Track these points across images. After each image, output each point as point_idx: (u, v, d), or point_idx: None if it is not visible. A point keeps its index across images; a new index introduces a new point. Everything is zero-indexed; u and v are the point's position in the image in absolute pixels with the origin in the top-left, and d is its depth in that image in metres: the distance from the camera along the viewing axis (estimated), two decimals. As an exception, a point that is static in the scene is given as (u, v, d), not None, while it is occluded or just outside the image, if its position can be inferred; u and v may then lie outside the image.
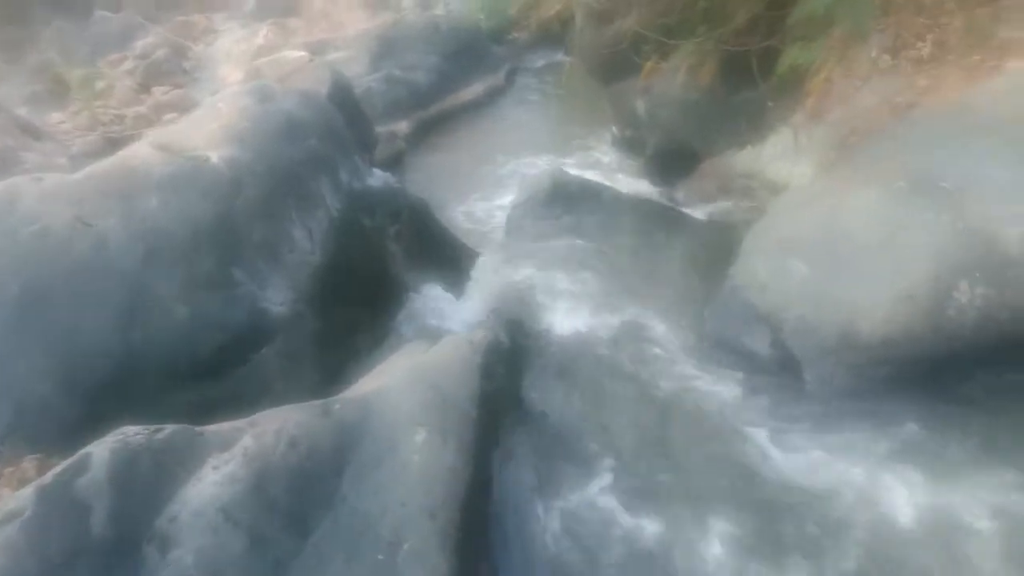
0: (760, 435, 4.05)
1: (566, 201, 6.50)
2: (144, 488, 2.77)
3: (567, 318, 5.12)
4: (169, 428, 3.03)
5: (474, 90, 12.73)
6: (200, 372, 4.38)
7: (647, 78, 8.80)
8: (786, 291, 4.51)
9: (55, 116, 10.28)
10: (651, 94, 9.40)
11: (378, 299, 5.98)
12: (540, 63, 14.76)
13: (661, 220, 6.55)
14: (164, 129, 5.59)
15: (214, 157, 5.09)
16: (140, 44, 11.72)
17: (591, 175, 7.48)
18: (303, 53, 10.37)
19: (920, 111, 5.56)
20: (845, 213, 4.81)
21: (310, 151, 5.85)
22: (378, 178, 6.97)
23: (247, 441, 3.08)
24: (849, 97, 6.36)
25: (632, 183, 8.86)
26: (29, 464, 3.26)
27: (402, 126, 11.22)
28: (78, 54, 11.50)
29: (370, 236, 6.41)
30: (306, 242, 5.43)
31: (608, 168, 9.72)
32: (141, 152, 4.89)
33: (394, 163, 10.34)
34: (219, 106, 5.74)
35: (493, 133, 11.72)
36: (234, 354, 4.55)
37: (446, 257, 7.17)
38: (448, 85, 12.41)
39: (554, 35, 14.87)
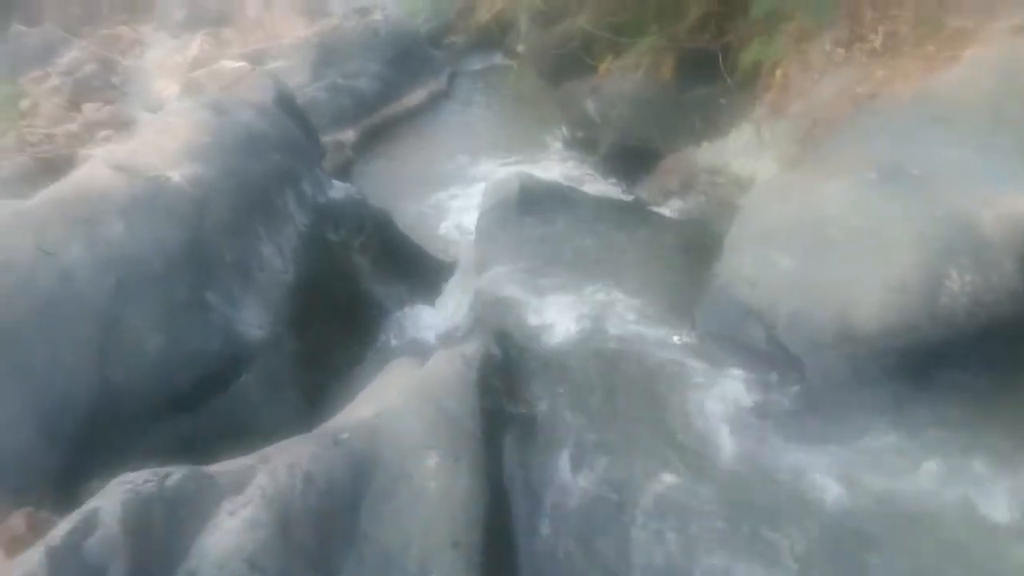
0: (771, 433, 4.02)
1: (535, 205, 6.40)
2: (160, 542, 2.54)
3: (553, 324, 5.00)
4: (178, 472, 2.80)
5: (417, 96, 12.53)
6: (180, 405, 4.13)
7: (602, 78, 8.78)
8: (775, 286, 4.50)
9: (-23, 139, 9.65)
10: (601, 94, 9.39)
11: (353, 315, 5.77)
12: (479, 66, 14.64)
13: (632, 219, 6.50)
14: (116, 148, 5.26)
15: (175, 176, 4.81)
16: (64, 59, 11.12)
17: (547, 178, 7.37)
18: (243, 63, 10.01)
19: (881, 101, 5.64)
20: (822, 205, 4.83)
21: (273, 165, 5.61)
22: (339, 190, 6.73)
23: (262, 480, 2.87)
24: (808, 90, 6.43)
25: (589, 184, 8.83)
26: (18, 519, 2.97)
27: (348, 135, 10.95)
28: (-3, 71, 10.84)
29: (337, 251, 6.19)
30: (277, 260, 5.19)
31: (561, 170, 9.65)
32: (97, 173, 4.58)
33: (342, 173, 10.05)
34: (171, 121, 5.44)
35: (440, 139, 11.55)
36: (213, 383, 4.30)
37: (414, 268, 6.99)
38: (391, 92, 12.18)
39: (492, 38, 14.78)
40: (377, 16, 12.89)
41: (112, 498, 2.59)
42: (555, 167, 9.75)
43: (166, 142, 5.17)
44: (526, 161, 10.06)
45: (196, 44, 11.27)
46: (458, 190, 9.37)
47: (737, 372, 4.42)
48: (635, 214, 6.80)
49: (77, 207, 4.17)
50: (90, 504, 2.62)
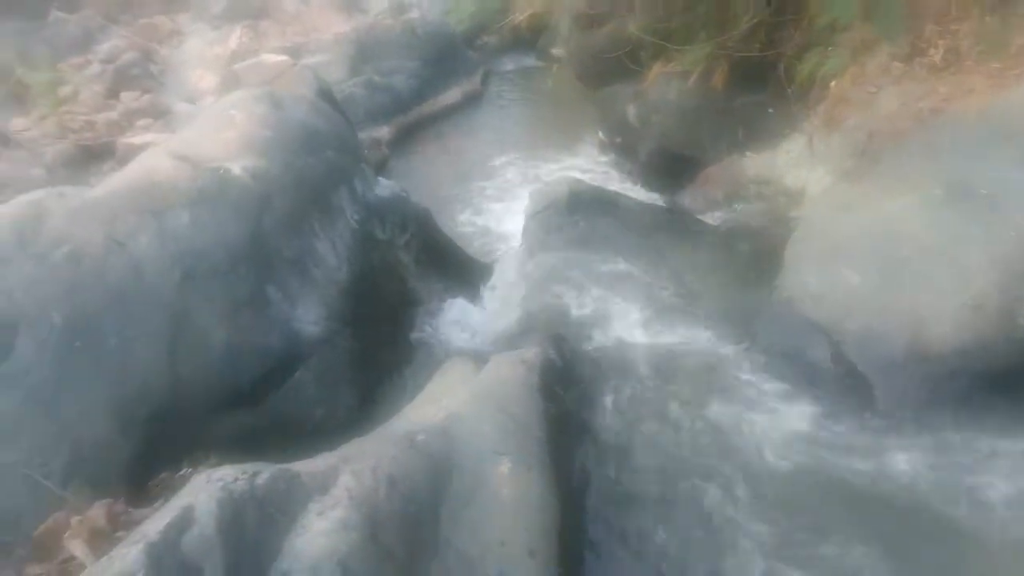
0: (838, 454, 3.94)
1: (584, 210, 6.34)
2: (253, 542, 2.49)
3: (609, 330, 4.94)
4: (266, 471, 2.75)
5: (452, 95, 12.49)
6: (240, 400, 4.09)
7: (646, 83, 8.72)
8: (842, 302, 4.42)
9: (18, 123, 9.64)
10: (644, 99, 9.33)
11: (402, 314, 5.73)
12: (512, 68, 14.60)
13: (680, 227, 6.43)
14: (175, 137, 5.23)
15: (237, 169, 4.77)
16: (104, 47, 11.11)
17: (596, 183, 7.31)
18: (284, 57, 9.99)
19: (945, 117, 5.56)
20: (890, 221, 4.75)
21: (328, 161, 5.56)
22: (385, 187, 6.68)
23: (347, 481, 2.82)
24: (865, 103, 6.35)
25: (628, 190, 8.76)
26: (98, 511, 2.93)
27: (384, 132, 10.91)
28: (36, 57, 10.83)
29: (384, 249, 6.15)
30: (331, 257, 5.14)
31: (598, 175, 9.60)
32: (160, 164, 4.54)
33: (379, 171, 10.02)
34: (231, 113, 5.40)
35: (475, 139, 11.50)
36: (272, 379, 4.26)
37: (456, 268, 6.94)
38: (427, 90, 12.14)
39: (524, 40, 14.77)
40: (414, 14, 12.87)
41: (205, 495, 2.54)
42: (591, 171, 9.70)
43: (226, 134, 5.13)
44: (562, 164, 10.03)
45: (235, 36, 11.25)
46: (494, 191, 9.34)
47: (802, 389, 4.34)
48: (681, 222, 6.73)
49: (143, 197, 4.14)
50: (182, 500, 2.57)
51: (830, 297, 4.48)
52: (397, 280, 6.06)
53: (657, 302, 5.26)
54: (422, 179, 9.87)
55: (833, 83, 6.73)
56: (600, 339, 4.88)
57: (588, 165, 9.97)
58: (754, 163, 7.48)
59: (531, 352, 4.24)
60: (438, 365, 4.79)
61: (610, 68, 10.20)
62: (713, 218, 6.98)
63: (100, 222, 3.86)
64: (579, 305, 5.24)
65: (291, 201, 4.91)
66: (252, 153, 4.98)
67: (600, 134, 10.46)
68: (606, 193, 6.76)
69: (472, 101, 12.77)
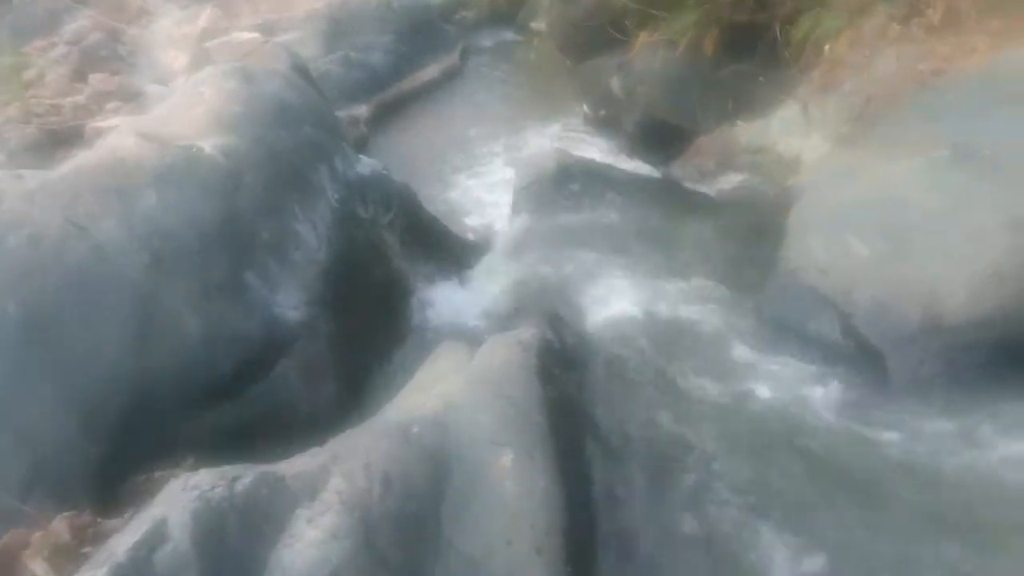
0: (858, 431, 3.71)
1: (572, 182, 6.07)
2: (235, 556, 2.22)
3: (606, 307, 4.69)
4: (247, 475, 2.47)
5: (430, 71, 12.08)
6: (218, 393, 3.79)
7: (631, 53, 8.42)
8: (850, 272, 4.19)
9: (-19, 110, 9.18)
10: (628, 70, 9.04)
11: (386, 296, 5.42)
12: (490, 43, 14.17)
13: (672, 198, 6.18)
14: (142, 117, 4.87)
15: (207, 147, 4.44)
16: (70, 28, 10.61)
17: (584, 155, 7.02)
18: (255, 35, 9.56)
19: (947, 79, 5.32)
20: (896, 185, 4.51)
21: (306, 138, 5.23)
22: (365, 165, 6.35)
23: (338, 484, 2.54)
24: (861, 67, 6.09)
25: (616, 162, 8.49)
26: (60, 524, 2.63)
27: (362, 110, 10.52)
28: (0, 39, 10.34)
29: (367, 229, 5.83)
30: (312, 238, 4.83)
31: (584, 148, 9.29)
32: (125, 143, 4.20)
33: (358, 149, 9.64)
34: (200, 90, 5.05)
35: (455, 116, 11.14)
36: (253, 369, 3.96)
37: (442, 247, 6.65)
38: (405, 66, 11.74)
39: (502, 14, 14.35)
40: (390, -12, 12.41)
41: (179, 506, 2.26)
42: (576, 145, 9.40)
43: (195, 111, 4.79)
44: (545, 138, 9.71)
45: (205, 15, 10.78)
46: (477, 168, 9.02)
47: (811, 364, 4.11)
48: (674, 193, 6.47)
49: (107, 177, 3.80)
50: (153, 512, 2.29)
51: (837, 268, 4.24)
52: (382, 261, 5.75)
53: (655, 275, 5.00)
54: (403, 157, 9.50)
55: (827, 47, 6.47)
56: (598, 316, 4.62)
57: (573, 138, 9.66)
58: (746, 132, 7.21)
59: (527, 333, 3.97)
60: (429, 350, 4.50)
61: (593, 39, 9.90)
62: (707, 188, 6.72)
63: (60, 204, 3.52)
64: (573, 281, 4.98)
65: (266, 179, 4.59)
66: (222, 130, 4.65)
67: (584, 107, 10.14)
68: (595, 164, 6.49)
69: (451, 77, 12.37)
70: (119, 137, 4.26)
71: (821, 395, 3.95)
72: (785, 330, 4.36)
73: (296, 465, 2.68)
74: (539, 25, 13.80)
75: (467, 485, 2.82)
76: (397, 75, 11.52)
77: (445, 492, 2.77)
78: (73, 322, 3.16)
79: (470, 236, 7.00)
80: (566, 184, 6.00)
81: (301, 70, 8.33)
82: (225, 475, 2.44)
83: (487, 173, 8.75)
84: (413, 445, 2.87)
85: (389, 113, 10.96)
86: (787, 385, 4.04)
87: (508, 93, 11.84)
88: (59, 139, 8.73)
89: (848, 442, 3.68)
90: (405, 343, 4.97)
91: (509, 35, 14.19)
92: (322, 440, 3.19)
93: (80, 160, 4.00)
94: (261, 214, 4.43)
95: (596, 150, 8.99)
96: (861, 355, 4.01)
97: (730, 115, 7.73)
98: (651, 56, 8.53)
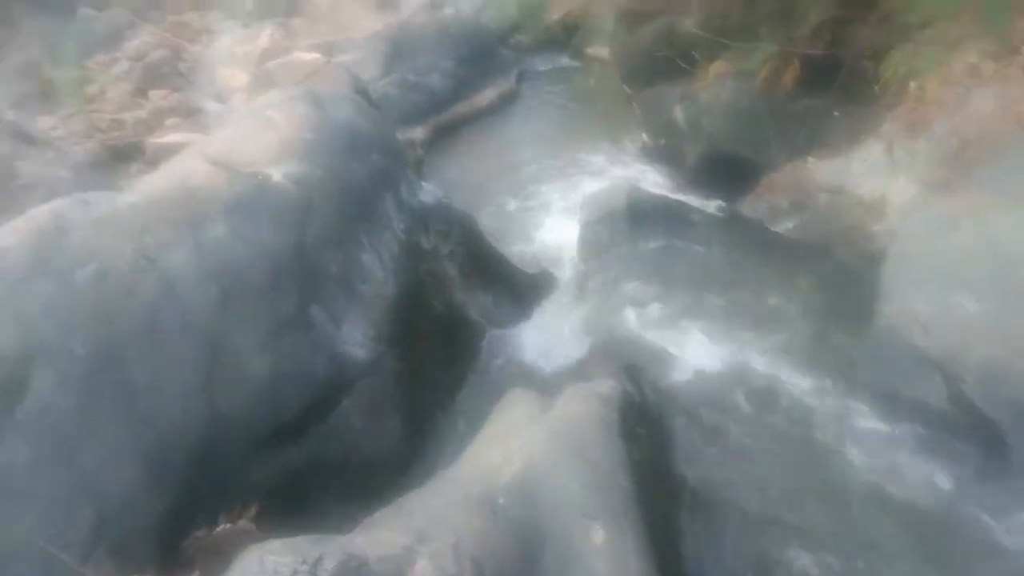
0: (973, 514, 3.37)
1: (643, 219, 5.79)
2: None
3: (687, 359, 4.40)
4: (330, 558, 2.24)
5: (487, 95, 11.95)
6: (282, 436, 3.58)
7: (698, 83, 8.16)
8: (958, 332, 3.85)
9: (46, 121, 9.23)
10: (693, 100, 8.78)
11: (450, 332, 5.20)
12: (545, 67, 14.01)
13: (749, 240, 5.87)
14: (210, 140, 4.73)
15: (278, 175, 4.27)
16: (132, 44, 10.69)
17: (655, 190, 6.75)
18: (317, 55, 9.50)
19: (1053, 123, 4.96)
20: (1005, 238, 4.16)
21: (374, 166, 5.05)
22: (428, 193, 6.17)
23: (425, 568, 2.30)
24: (953, 106, 5.75)
25: (679, 196, 8.23)
26: (123, 594, 2.43)
27: (418, 133, 10.40)
28: (64, 54, 10.42)
29: (430, 260, 5.63)
30: (378, 270, 4.63)
31: (643, 179, 9.03)
32: (195, 168, 4.04)
33: (415, 173, 9.50)
34: (270, 114, 4.90)
35: (512, 141, 10.96)
36: (318, 410, 3.75)
37: (503, 280, 6.42)
38: (462, 90, 11.63)
39: (558, 39, 14.20)
40: (448, 11, 12.35)
41: (258, 592, 2.04)
42: (636, 175, 9.15)
43: (265, 136, 4.64)
44: (604, 167, 9.48)
45: (265, 34, 10.79)
46: (536, 197, 8.80)
47: (914, 435, 3.77)
48: (748, 233, 6.16)
49: (177, 206, 3.63)
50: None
51: (943, 326, 3.90)
52: (444, 294, 5.55)
53: (735, 324, 4.70)
54: (459, 183, 9.34)
55: (913, 84, 6.13)
56: (678, 368, 4.33)
57: (631, 168, 9.42)
58: (821, 170, 6.88)
59: (605, 385, 3.70)
60: (495, 394, 4.25)
61: (656, 67, 9.65)
62: (781, 227, 6.39)
63: (129, 235, 3.36)
64: (647, 327, 4.69)
65: (335, 209, 4.41)
66: (293, 157, 4.48)
67: (644, 136, 9.90)
68: (666, 201, 6.21)
69: (507, 101, 12.22)
70: (189, 162, 4.11)
71: (927, 470, 3.61)
72: (883, 392, 4.03)
73: (379, 543, 2.43)
74: (595, 51, 13.63)
75: (559, 566, 2.56)
76: (454, 98, 11.41)
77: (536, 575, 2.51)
78: (141, 364, 2.97)
79: (532, 270, 6.77)
80: (636, 221, 5.73)
81: (363, 92, 8.26)
82: (305, 554, 2.21)
83: (547, 202, 8.53)
84: (501, 520, 2.62)
85: (445, 136, 10.83)
86: (886, 456, 3.71)
87: (565, 118, 11.65)
88: (120, 154, 8.74)
89: (959, 526, 3.33)
90: (469, 383, 4.74)
91: (564, 60, 14.03)
92: (385, 487, 2.97)
93: (150, 186, 3.85)
94: (330, 245, 4.25)
95: (656, 180, 8.76)
96: (973, 425, 3.67)
97: (802, 151, 7.42)
98: (719, 87, 8.27)
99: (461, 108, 11.44)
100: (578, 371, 4.33)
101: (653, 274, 5.10)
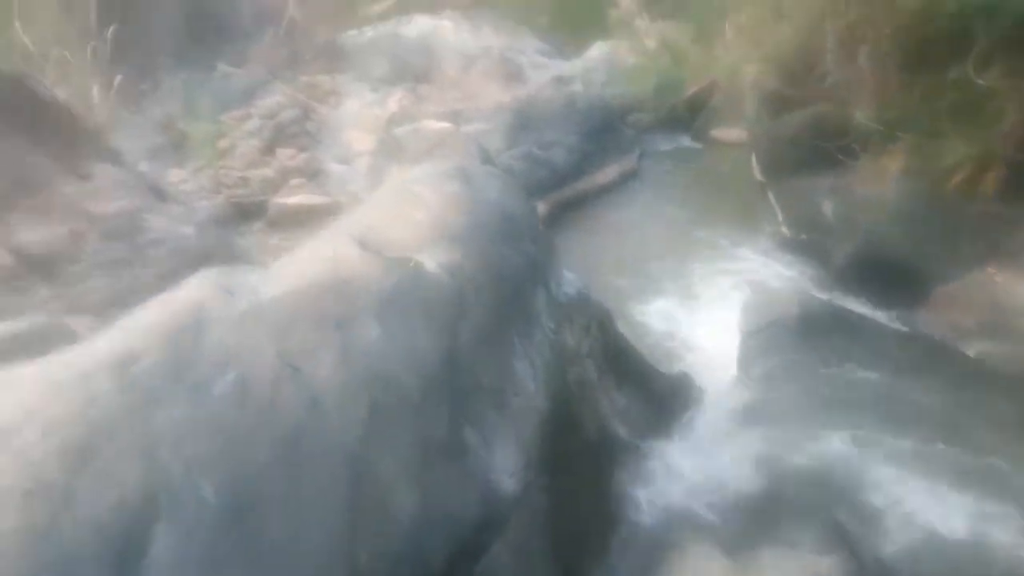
0: None
1: (816, 331, 4.97)
2: None
3: (906, 520, 3.55)
4: None
5: (608, 173, 11.44)
6: (423, 590, 2.87)
7: (860, 176, 7.38)
8: None
9: (176, 173, 9.16)
10: (847, 194, 8.00)
11: (598, 455, 4.47)
12: (667, 147, 13.43)
13: (936, 363, 5.02)
14: (357, 217, 4.22)
15: (430, 263, 3.68)
16: (265, 103, 10.67)
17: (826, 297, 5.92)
18: (446, 124, 9.16)
19: None
20: None
21: (526, 255, 4.44)
22: (571, 283, 5.51)
23: None
24: None
25: (842, 303, 7.37)
26: None
27: (540, 208, 9.82)
28: (200, 109, 10.47)
29: (577, 362, 4.94)
30: (530, 379, 3.95)
31: (782, 276, 8.20)
32: (346, 254, 3.50)
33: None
34: (419, 190, 4.37)
35: (635, 223, 10.33)
36: (466, 558, 3.04)
37: (643, 383, 5.68)
38: (585, 166, 11.17)
39: (680, 118, 13.65)
40: (576, 87, 11.97)
41: None
42: (775, 271, 8.34)
43: (415, 216, 4.09)
44: (738, 261, 8.70)
45: (394, 99, 10.61)
46: (665, 286, 8.07)
47: None
48: (934, 355, 5.30)
49: (326, 301, 3.07)
50: None
51: None
52: (591, 405, 4.84)
53: (953, 476, 3.80)
54: (582, 265, 8.69)
55: None
56: (898, 531, 3.45)
57: (768, 262, 8.61)
58: (1012, 289, 5.93)
59: (824, 564, 2.87)
60: (657, 544, 3.46)
61: (801, 156, 8.92)
62: (972, 351, 5.45)
63: (272, 334, 2.80)
64: (843, 470, 3.85)
65: (491, 307, 3.78)
66: (446, 242, 3.91)
67: (783, 228, 9.12)
68: (840, 311, 5.39)
69: (628, 180, 11.66)
70: (337, 245, 3.57)
71: None
72: None
73: None
74: (721, 134, 13.03)
75: None
76: (577, 173, 10.92)
77: None
78: (277, 509, 2.35)
79: (669, 370, 6.03)
80: (807, 333, 4.93)
81: (489, 164, 7.81)
82: None
83: (677, 292, 7.80)
84: None
85: (567, 212, 10.28)
86: None
87: (690, 202, 10.92)
88: (245, 211, 8.53)
89: None
90: (622, 522, 3.96)
91: (686, 141, 13.42)
92: None
93: (295, 271, 3.31)
94: (484, 350, 3.61)
95: (797, 280, 7.93)
96: None
97: (982, 262, 6.50)
98: (881, 182, 7.46)
99: (583, 184, 10.93)
100: (766, 523, 3.51)
101: (835, 401, 4.28)
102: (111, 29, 9.05)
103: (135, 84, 10.01)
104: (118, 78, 8.68)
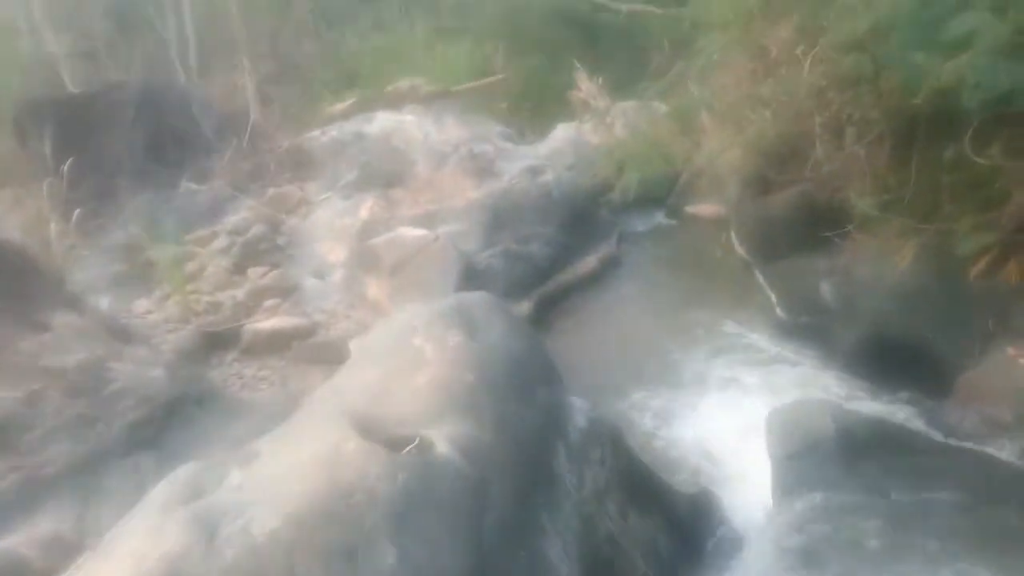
0: None
1: (857, 451, 4.50)
2: None
3: None
4: None
5: (589, 262, 11.07)
6: None
7: (857, 256, 7.08)
8: None
9: (141, 304, 8.59)
10: (845, 276, 7.69)
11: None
12: (643, 227, 13.11)
13: (989, 474, 4.49)
14: (351, 384, 3.69)
15: (441, 443, 3.16)
16: (232, 219, 10.21)
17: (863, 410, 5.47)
18: (423, 231, 8.76)
19: None
20: None
21: (542, 407, 3.95)
22: (580, 411, 5.00)
23: None
24: None
25: (837, 388, 7.00)
26: None
27: (524, 307, 9.39)
28: (164, 230, 9.95)
29: (598, 517, 4.38)
30: (563, 563, 3.40)
31: (785, 364, 7.80)
32: (344, 447, 2.96)
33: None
34: (417, 344, 3.87)
35: (623, 316, 9.88)
36: None
37: (662, 505, 5.17)
38: (565, 257, 10.78)
39: (651, 195, 13.38)
40: (548, 176, 11.69)
41: None
42: (775, 358, 7.93)
43: (416, 379, 3.59)
44: (737, 350, 8.26)
45: (365, 206, 10.22)
46: (667, 389, 7.57)
47: None
48: (985, 465, 4.79)
49: (331, 526, 2.52)
50: None
51: None
52: (622, 558, 4.27)
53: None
54: (574, 370, 8.21)
55: None
56: None
57: (769, 347, 8.19)
58: (1044, 374, 5.56)
59: None
60: None
61: (791, 237, 8.65)
62: (1015, 454, 5.02)
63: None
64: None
65: (514, 487, 3.27)
66: (455, 412, 3.41)
67: (778, 311, 8.75)
68: (882, 425, 4.93)
69: (610, 267, 11.24)
70: (335, 440, 3.03)
71: None
72: None
73: None
74: (698, 210, 12.80)
75: None
76: (557, 267, 10.49)
77: None
78: None
79: (688, 488, 5.52)
80: (849, 454, 4.45)
81: (471, 271, 7.41)
82: None
83: (680, 397, 7.31)
84: None
85: (550, 310, 9.80)
86: None
87: (676, 287, 10.51)
88: (217, 342, 7.95)
89: None
90: None
91: (661, 218, 13.15)
92: None
93: (290, 488, 2.75)
94: (512, 543, 3.08)
95: (804, 367, 7.53)
96: None
97: (1000, 343, 6.16)
98: (878, 263, 7.18)
99: (564, 277, 10.49)
100: None
101: (901, 543, 3.76)
102: (68, 162, 8.58)
103: (94, 213, 9.50)
104: (76, 212, 8.16)
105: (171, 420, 6.36)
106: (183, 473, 2.88)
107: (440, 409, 3.38)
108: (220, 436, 6.11)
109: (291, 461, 2.91)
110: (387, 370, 3.73)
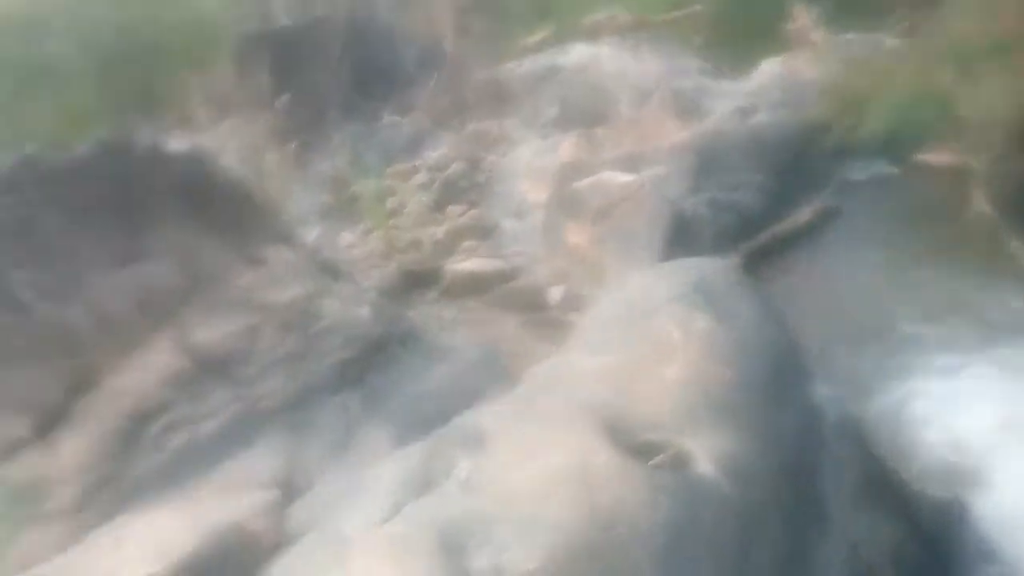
0: None
1: None
2: None
3: None
4: None
5: (805, 213, 9.87)
6: None
7: None
8: None
9: (345, 237, 8.69)
10: None
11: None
12: (863, 176, 11.49)
13: None
14: (588, 374, 3.25)
15: (702, 458, 2.64)
16: (432, 155, 10.09)
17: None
18: (630, 177, 8.12)
19: None
20: None
21: (801, 411, 3.30)
22: (829, 404, 4.27)
23: None
24: None
25: None
26: None
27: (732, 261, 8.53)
28: (367, 162, 10.02)
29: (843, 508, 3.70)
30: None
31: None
32: (595, 462, 2.53)
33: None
34: (661, 325, 3.34)
35: (841, 277, 8.67)
36: None
37: (908, 512, 4.43)
38: (777, 207, 9.66)
39: (873, 141, 11.74)
40: (760, 117, 10.55)
41: None
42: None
43: (663, 371, 3.07)
44: (988, 328, 6.97)
45: (566, 146, 9.67)
46: (908, 377, 6.43)
47: None
48: None
49: (593, 564, 2.11)
50: None
51: None
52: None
53: None
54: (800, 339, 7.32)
55: None
56: None
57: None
58: None
59: None
60: None
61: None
62: None
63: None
64: None
65: (781, 515, 2.69)
66: (712, 416, 2.86)
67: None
68: None
69: (828, 221, 10.00)
70: (583, 444, 2.60)
71: None
72: None
73: None
74: (929, 157, 11.08)
75: None
76: (769, 218, 9.46)
77: None
78: None
79: (939, 492, 4.68)
80: None
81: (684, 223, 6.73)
82: None
83: (935, 376, 6.25)
84: None
85: (762, 264, 8.86)
86: None
87: (905, 247, 9.12)
88: (418, 280, 7.87)
89: None
90: None
91: (883, 166, 11.53)
92: None
93: (542, 503, 2.37)
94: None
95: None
96: None
97: None
98: None
99: (777, 229, 9.47)
100: None
101: None
102: (283, 95, 8.71)
103: (305, 145, 9.68)
104: (292, 145, 8.29)
105: (376, 359, 6.30)
106: (414, 456, 2.57)
107: (694, 412, 2.87)
108: (425, 380, 6.01)
109: (531, 471, 2.52)
110: (629, 357, 3.24)
